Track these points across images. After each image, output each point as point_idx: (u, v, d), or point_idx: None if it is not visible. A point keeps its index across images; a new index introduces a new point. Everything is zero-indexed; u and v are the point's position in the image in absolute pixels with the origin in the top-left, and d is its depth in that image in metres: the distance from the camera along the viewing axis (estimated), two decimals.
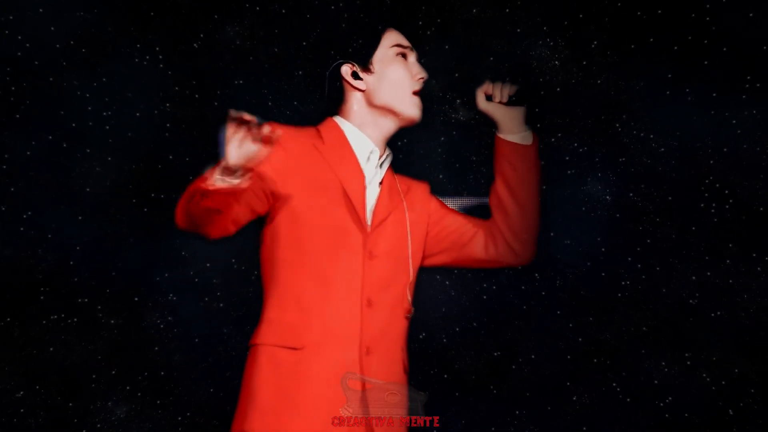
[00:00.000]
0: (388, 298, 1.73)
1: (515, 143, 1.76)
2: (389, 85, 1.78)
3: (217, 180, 1.46)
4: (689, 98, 2.85)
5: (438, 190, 2.00)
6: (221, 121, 2.54)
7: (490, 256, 1.82)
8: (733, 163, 2.84)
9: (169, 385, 2.88)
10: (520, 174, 1.76)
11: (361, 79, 1.80)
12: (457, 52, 2.91)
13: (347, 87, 1.82)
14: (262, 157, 1.42)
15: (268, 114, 2.88)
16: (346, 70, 1.80)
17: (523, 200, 1.77)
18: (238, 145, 1.41)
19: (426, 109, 3.00)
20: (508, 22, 2.91)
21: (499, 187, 1.79)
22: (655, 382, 2.89)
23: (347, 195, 1.71)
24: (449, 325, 3.02)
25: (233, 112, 1.39)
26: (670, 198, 2.90)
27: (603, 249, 2.94)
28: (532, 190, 1.78)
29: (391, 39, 1.82)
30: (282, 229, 1.72)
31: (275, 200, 1.71)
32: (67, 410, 2.79)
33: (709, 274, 2.86)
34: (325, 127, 1.82)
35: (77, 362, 2.80)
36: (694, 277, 2.88)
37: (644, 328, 2.91)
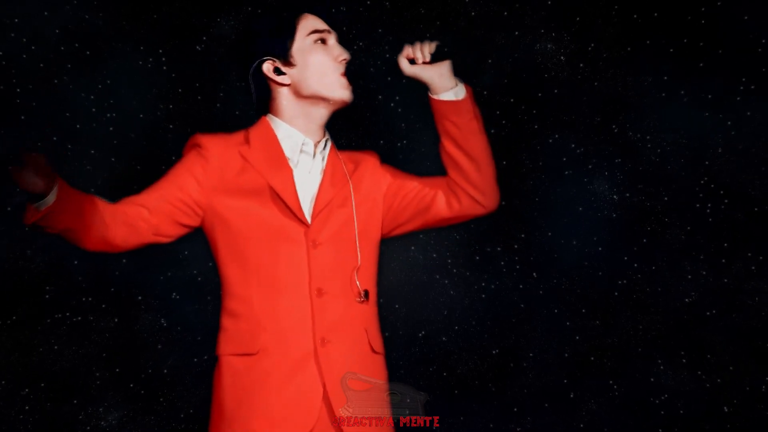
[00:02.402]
0: (338, 285, 1.77)
1: (450, 101, 1.79)
2: (313, 73, 1.81)
3: (35, 209, 1.57)
4: (699, 95, 2.87)
5: None
6: (220, 119, 2.56)
7: (456, 212, 1.85)
8: (744, 161, 2.85)
9: (162, 390, 2.90)
10: (463, 129, 1.79)
11: (284, 73, 1.83)
12: (460, 46, 2.93)
13: (272, 84, 1.85)
14: (44, 171, 1.52)
15: None
16: (267, 67, 1.83)
17: (474, 152, 1.80)
18: (24, 177, 1.51)
19: (427, 105, 3.04)
20: (512, 16, 2.94)
21: (447, 146, 1.82)
22: (663, 387, 2.90)
23: (277, 193, 1.76)
24: (451, 328, 3.03)
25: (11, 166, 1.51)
26: (678, 197, 2.92)
27: (609, 250, 2.95)
28: (479, 140, 1.81)
29: (307, 26, 1.84)
30: (219, 239, 1.80)
31: (204, 212, 1.79)
32: (58, 416, 2.80)
33: (718, 276, 2.88)
34: (254, 129, 1.87)
35: (68, 366, 2.81)
36: (703, 279, 2.90)
37: (652, 332, 2.93)
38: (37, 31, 2.73)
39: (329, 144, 1.89)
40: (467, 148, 1.80)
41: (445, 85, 1.80)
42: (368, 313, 1.82)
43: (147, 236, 1.77)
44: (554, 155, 2.98)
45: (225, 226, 1.78)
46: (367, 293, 1.80)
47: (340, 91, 1.82)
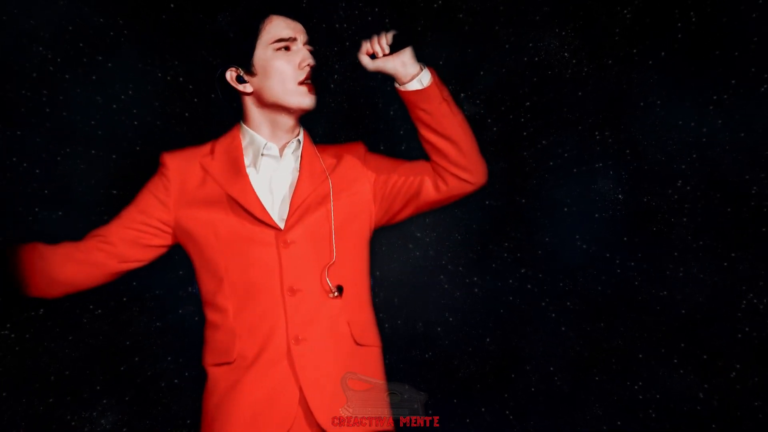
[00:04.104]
0: (314, 281, 1.80)
1: (417, 90, 1.81)
2: (272, 82, 1.84)
3: None
4: (705, 93, 2.88)
5: None
6: (217, 119, 2.57)
7: (444, 193, 1.87)
8: (752, 161, 2.86)
9: (157, 393, 2.90)
10: (435, 114, 1.81)
11: (246, 81, 1.86)
12: (461, 42, 2.94)
13: (238, 91, 1.89)
14: None
15: None
16: (230, 75, 1.87)
17: (451, 134, 1.82)
18: None
19: None
20: (515, 11, 2.94)
21: (425, 133, 1.84)
22: (670, 390, 2.90)
23: (236, 201, 1.80)
24: (453, 331, 3.04)
25: None
26: (684, 197, 2.92)
27: (613, 250, 2.95)
28: (454, 122, 1.83)
29: (270, 32, 1.85)
30: (192, 253, 1.86)
31: (173, 229, 1.85)
32: (51, 420, 2.80)
33: (726, 277, 2.88)
34: (222, 138, 1.92)
35: (61, 370, 2.81)
36: (710, 281, 2.90)
37: (658, 334, 2.93)
38: (35, 30, 2.74)
39: (302, 143, 1.91)
40: (443, 131, 1.82)
41: (409, 73, 1.81)
42: (352, 305, 1.83)
43: (112, 266, 1.84)
44: (558, 154, 2.98)
45: (193, 239, 1.82)
46: (340, 288, 1.81)
47: (298, 99, 1.84)
